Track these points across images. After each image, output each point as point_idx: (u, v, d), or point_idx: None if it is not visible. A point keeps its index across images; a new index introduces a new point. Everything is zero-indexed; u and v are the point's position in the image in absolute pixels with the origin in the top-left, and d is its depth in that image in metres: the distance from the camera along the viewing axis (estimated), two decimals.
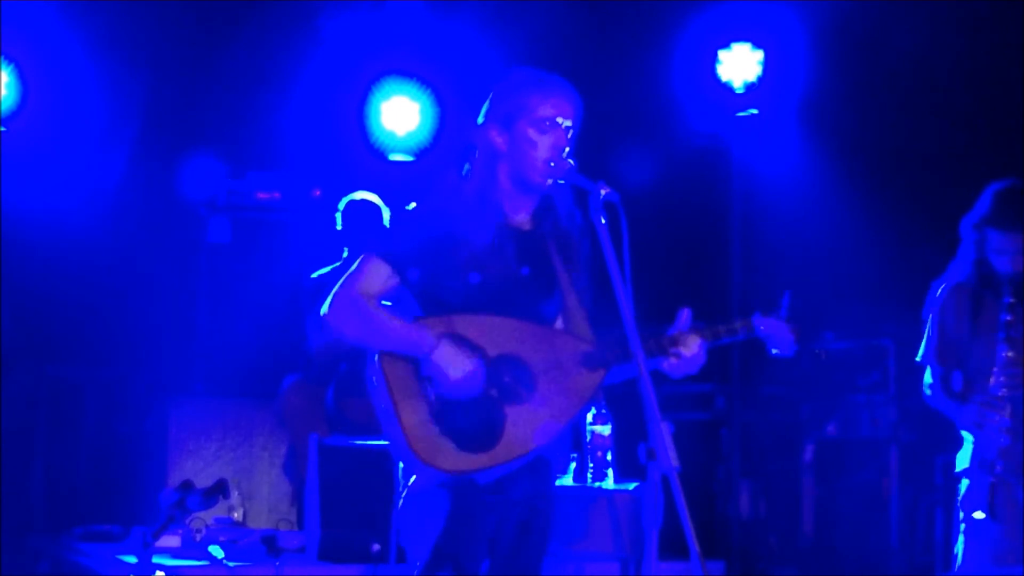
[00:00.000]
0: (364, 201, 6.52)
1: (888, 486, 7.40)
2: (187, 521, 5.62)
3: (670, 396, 7.80)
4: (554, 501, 3.68)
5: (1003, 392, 4.56)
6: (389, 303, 3.53)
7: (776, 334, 3.73)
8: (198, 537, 5.99)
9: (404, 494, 3.51)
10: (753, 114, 7.88)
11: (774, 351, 3.74)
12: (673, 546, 3.42)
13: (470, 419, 3.41)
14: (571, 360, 3.50)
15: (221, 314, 7.73)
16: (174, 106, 7.71)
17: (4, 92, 7.10)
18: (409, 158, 8.11)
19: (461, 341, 3.42)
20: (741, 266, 7.87)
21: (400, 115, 8.07)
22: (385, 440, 3.47)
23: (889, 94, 7.80)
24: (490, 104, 3.60)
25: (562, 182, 3.52)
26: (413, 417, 3.38)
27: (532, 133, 3.53)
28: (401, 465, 3.50)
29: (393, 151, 8.10)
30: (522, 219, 3.61)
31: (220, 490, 4.05)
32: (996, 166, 5.15)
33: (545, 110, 3.54)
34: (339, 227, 6.51)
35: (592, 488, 5.37)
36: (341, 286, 3.49)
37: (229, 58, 7.72)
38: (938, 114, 7.57)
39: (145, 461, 7.21)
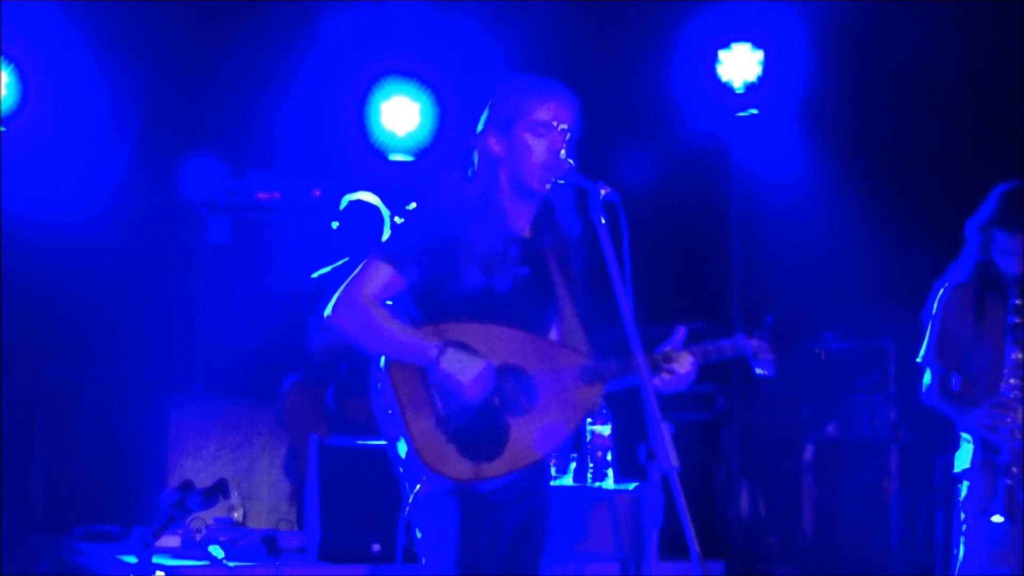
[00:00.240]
0: (364, 201, 6.53)
1: (888, 486, 7.39)
2: (187, 521, 5.62)
3: (670, 396, 7.78)
4: (550, 499, 3.68)
5: (1015, 395, 4.55)
6: (391, 303, 3.55)
7: (761, 354, 3.73)
8: (198, 537, 5.99)
9: (411, 501, 3.51)
10: (753, 114, 7.88)
11: (758, 371, 3.73)
12: (673, 546, 3.42)
13: (476, 428, 3.42)
14: (570, 373, 3.53)
15: (221, 314, 7.73)
16: (174, 106, 7.71)
17: (4, 92, 7.10)
18: (409, 158, 8.11)
19: (466, 347, 3.43)
20: (741, 266, 7.87)
21: (400, 115, 8.08)
22: (387, 445, 3.48)
23: (889, 94, 7.80)
24: (488, 111, 3.63)
25: (562, 182, 3.52)
26: (421, 425, 3.39)
27: (528, 138, 3.55)
28: (401, 470, 3.50)
29: (393, 151, 8.10)
30: (522, 225, 3.63)
31: (220, 490, 4.05)
32: (996, 166, 5.15)
33: (540, 114, 3.57)
34: (338, 227, 6.51)
35: (592, 488, 5.38)
36: (344, 289, 3.50)
37: (229, 58, 7.73)
38: (938, 114, 7.57)
39: (145, 461, 7.21)
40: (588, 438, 5.41)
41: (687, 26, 7.90)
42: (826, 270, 7.74)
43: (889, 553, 7.29)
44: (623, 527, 5.29)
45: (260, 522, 6.76)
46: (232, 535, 6.20)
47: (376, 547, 5.42)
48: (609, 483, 5.39)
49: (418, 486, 3.47)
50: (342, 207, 6.52)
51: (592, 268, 3.59)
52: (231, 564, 5.65)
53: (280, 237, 7.79)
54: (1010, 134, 6.98)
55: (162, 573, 4.51)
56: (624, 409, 5.16)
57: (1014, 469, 4.51)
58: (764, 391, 7.97)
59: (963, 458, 4.72)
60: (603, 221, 3.29)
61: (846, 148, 7.92)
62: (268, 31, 7.78)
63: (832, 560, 7.52)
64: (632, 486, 5.35)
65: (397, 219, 3.68)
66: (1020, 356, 4.57)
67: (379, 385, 3.46)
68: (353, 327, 3.47)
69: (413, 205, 3.61)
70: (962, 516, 4.68)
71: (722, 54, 7.83)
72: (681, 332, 3.62)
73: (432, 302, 3.52)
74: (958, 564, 4.68)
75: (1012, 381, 4.55)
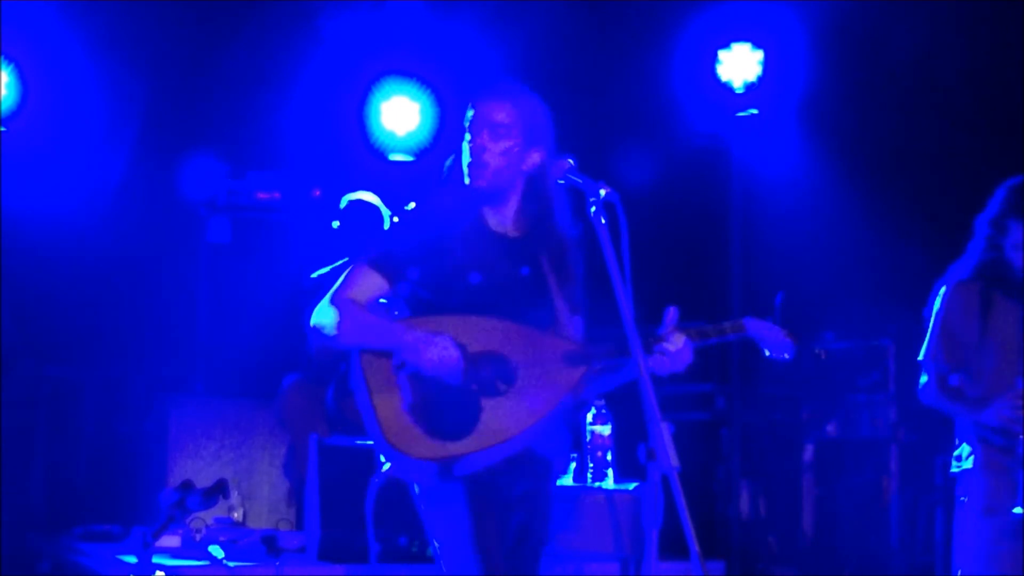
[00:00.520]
0: (364, 201, 6.52)
1: (888, 486, 7.40)
2: (187, 521, 5.61)
3: (670, 396, 7.80)
4: (554, 502, 3.69)
5: None
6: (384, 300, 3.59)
7: (769, 337, 3.73)
8: (198, 537, 5.99)
9: (417, 491, 3.56)
10: (753, 114, 7.89)
11: (767, 353, 3.72)
12: (673, 546, 3.42)
13: (445, 409, 3.46)
14: (553, 357, 3.54)
15: (221, 314, 7.73)
16: (174, 106, 7.71)
17: (4, 92, 7.10)
18: (409, 158, 8.11)
19: (439, 334, 3.47)
20: (741, 266, 7.88)
21: (400, 115, 8.08)
22: (367, 436, 3.52)
23: (889, 94, 7.80)
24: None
25: (561, 182, 3.53)
26: (387, 408, 3.44)
27: (465, 140, 3.62)
28: (383, 459, 3.54)
29: (393, 151, 8.10)
30: (503, 224, 3.65)
31: (220, 490, 4.05)
32: (997, 166, 5.15)
33: (469, 115, 3.63)
34: (338, 227, 6.51)
35: (592, 488, 5.37)
36: (331, 293, 3.57)
37: (229, 58, 7.72)
38: (938, 114, 7.57)
39: (145, 461, 7.21)
40: (588, 438, 5.41)
41: (687, 26, 7.90)
42: (826, 270, 7.74)
43: (889, 553, 7.30)
44: (623, 527, 5.29)
45: (260, 522, 6.76)
46: (232, 535, 6.20)
47: (376, 547, 5.41)
48: (609, 483, 5.39)
49: (388, 465, 3.51)
50: (342, 207, 6.52)
51: (592, 268, 3.59)
52: (231, 564, 5.65)
53: (280, 237, 7.79)
54: (1010, 134, 6.98)
55: (162, 573, 4.51)
56: (624, 409, 5.16)
57: None
58: (764, 391, 7.98)
59: (962, 459, 4.70)
60: (603, 221, 3.29)
61: (846, 148, 7.92)
62: (268, 31, 7.78)
63: (832, 560, 7.52)
64: (632, 486, 5.34)
65: (394, 219, 3.72)
66: None
67: (354, 378, 3.52)
68: (332, 320, 3.51)
69: (412, 205, 3.64)
70: (960, 517, 4.67)
71: (722, 54, 7.84)
72: (673, 312, 3.61)
73: (422, 304, 3.57)
74: (957, 565, 4.68)
75: None
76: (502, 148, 3.59)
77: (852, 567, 7.45)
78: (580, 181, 3.43)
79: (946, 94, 7.57)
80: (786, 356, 3.72)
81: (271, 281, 7.49)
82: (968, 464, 4.67)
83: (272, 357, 7.06)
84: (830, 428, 7.75)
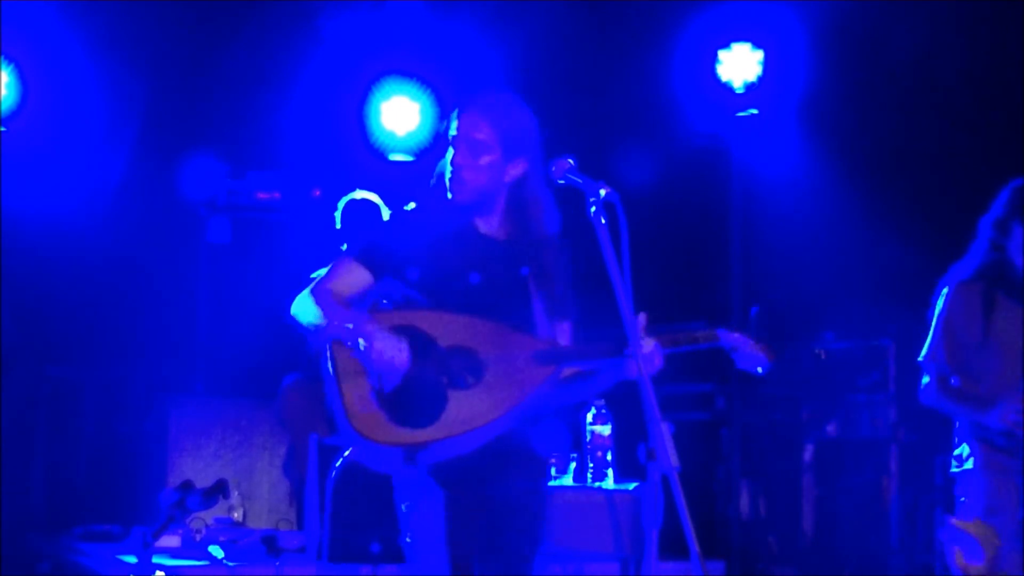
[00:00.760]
0: (364, 200, 6.52)
1: (888, 486, 7.40)
2: (187, 521, 5.62)
3: (670, 396, 7.80)
4: (546, 499, 3.70)
5: None
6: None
7: (743, 349, 3.71)
8: (198, 537, 5.99)
9: (393, 482, 3.62)
10: (753, 114, 7.89)
11: (739, 364, 3.71)
12: (673, 546, 3.42)
13: (411, 398, 3.48)
14: (523, 356, 3.57)
15: (221, 314, 7.73)
16: (174, 106, 7.71)
17: (4, 92, 7.10)
18: (409, 158, 8.11)
19: (413, 336, 3.50)
20: (741, 266, 7.88)
21: (400, 115, 8.08)
22: (336, 426, 3.55)
23: (889, 94, 7.80)
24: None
25: (561, 182, 3.53)
26: (354, 394, 3.47)
27: (448, 152, 3.65)
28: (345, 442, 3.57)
29: (393, 151, 8.10)
30: (491, 228, 3.69)
31: (220, 490, 4.06)
32: (996, 166, 5.15)
33: (450, 128, 3.66)
34: (338, 226, 6.51)
35: (592, 488, 5.37)
36: (313, 285, 3.60)
37: (229, 58, 7.72)
38: (938, 114, 7.57)
39: (145, 461, 7.21)
40: (588, 438, 5.41)
41: (687, 26, 7.90)
42: (826, 270, 7.74)
43: (889, 553, 7.30)
44: (623, 527, 5.29)
45: (260, 522, 6.76)
46: (232, 535, 6.20)
47: (376, 547, 5.41)
48: (609, 483, 5.39)
49: (348, 451, 3.55)
50: (342, 206, 6.52)
51: (592, 268, 3.59)
52: (231, 564, 5.65)
53: (280, 237, 7.79)
54: (1010, 134, 6.98)
55: (162, 573, 4.52)
56: (624, 409, 5.16)
57: None
58: (764, 391, 7.98)
59: (962, 459, 4.70)
60: (603, 221, 3.29)
61: (846, 148, 7.92)
62: (268, 31, 7.78)
63: (832, 560, 7.52)
64: (632, 486, 5.35)
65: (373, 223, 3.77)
66: None
67: (328, 366, 3.54)
68: (309, 309, 3.55)
69: (412, 205, 3.66)
70: (961, 518, 4.67)
71: (722, 54, 7.84)
72: (642, 318, 3.59)
73: (405, 299, 3.60)
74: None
75: None
76: (483, 164, 3.62)
77: (852, 567, 7.45)
78: (580, 181, 3.43)
79: (946, 94, 7.57)
80: (759, 369, 3.71)
81: (271, 281, 7.48)
82: (969, 464, 4.67)
83: (272, 357, 7.05)
84: (830, 428, 7.76)
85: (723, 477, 7.75)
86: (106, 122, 7.52)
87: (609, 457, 5.41)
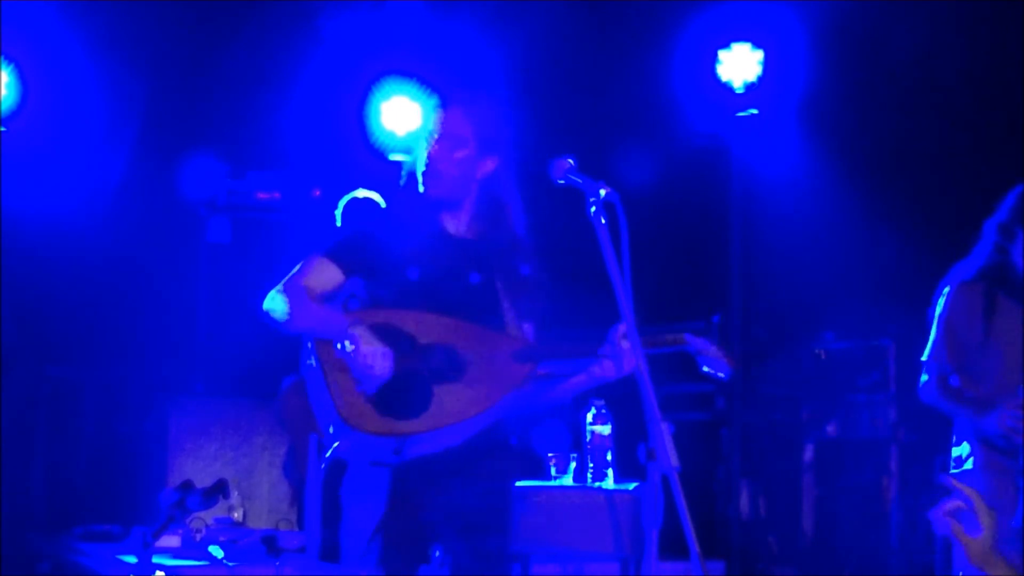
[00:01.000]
0: (365, 199, 6.52)
1: (888, 486, 7.40)
2: (187, 521, 5.62)
3: (670, 396, 7.80)
4: (513, 478, 3.76)
5: None
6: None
7: (708, 353, 3.72)
8: (198, 537, 5.99)
9: (340, 474, 3.63)
10: (753, 114, 7.88)
11: (705, 369, 3.72)
12: (673, 546, 3.42)
13: (397, 391, 3.52)
14: (502, 354, 3.63)
15: (221, 314, 7.73)
16: (174, 106, 7.71)
17: (4, 92, 7.09)
18: (409, 158, 8.09)
19: (393, 334, 3.54)
20: (741, 266, 7.88)
21: (400, 115, 8.07)
22: (319, 420, 3.58)
23: (889, 94, 7.80)
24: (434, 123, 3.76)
25: (561, 182, 3.53)
26: (341, 386, 3.52)
27: (426, 146, 3.71)
28: (331, 430, 3.56)
29: (393, 151, 8.09)
30: (459, 228, 3.74)
31: (220, 490, 4.05)
32: (997, 166, 5.15)
33: (433, 124, 3.73)
34: (339, 226, 6.51)
35: (592, 488, 5.37)
36: (285, 279, 3.65)
37: (229, 58, 7.72)
38: (938, 114, 7.57)
39: (145, 461, 7.21)
40: (588, 438, 5.41)
41: (687, 26, 7.90)
42: (826, 270, 7.74)
43: (889, 553, 7.30)
44: (623, 527, 5.29)
45: (260, 522, 6.76)
46: (232, 535, 6.20)
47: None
48: (609, 483, 5.38)
49: (336, 444, 3.57)
50: (342, 205, 6.52)
51: (592, 268, 3.59)
52: (231, 564, 5.65)
53: (280, 237, 7.79)
54: (1010, 134, 6.98)
55: (162, 573, 4.51)
56: (624, 409, 5.16)
57: None
58: (764, 391, 7.98)
59: (962, 459, 4.70)
60: (603, 221, 3.30)
61: (846, 148, 7.92)
62: (268, 31, 7.78)
63: (832, 560, 7.52)
64: (632, 486, 5.34)
65: (342, 220, 3.80)
66: None
67: (311, 360, 3.58)
68: (282, 307, 3.59)
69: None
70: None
71: (722, 54, 7.84)
72: (621, 327, 3.63)
73: (372, 298, 3.64)
74: (958, 566, 4.67)
75: None
76: (457, 157, 3.67)
77: (852, 567, 7.45)
78: (580, 181, 3.43)
79: (946, 94, 7.57)
80: (721, 375, 3.73)
81: (271, 281, 7.48)
82: (969, 465, 4.66)
83: (272, 357, 7.04)
84: (830, 428, 7.76)
85: (723, 477, 7.75)
86: (106, 122, 7.52)
87: (609, 457, 5.40)
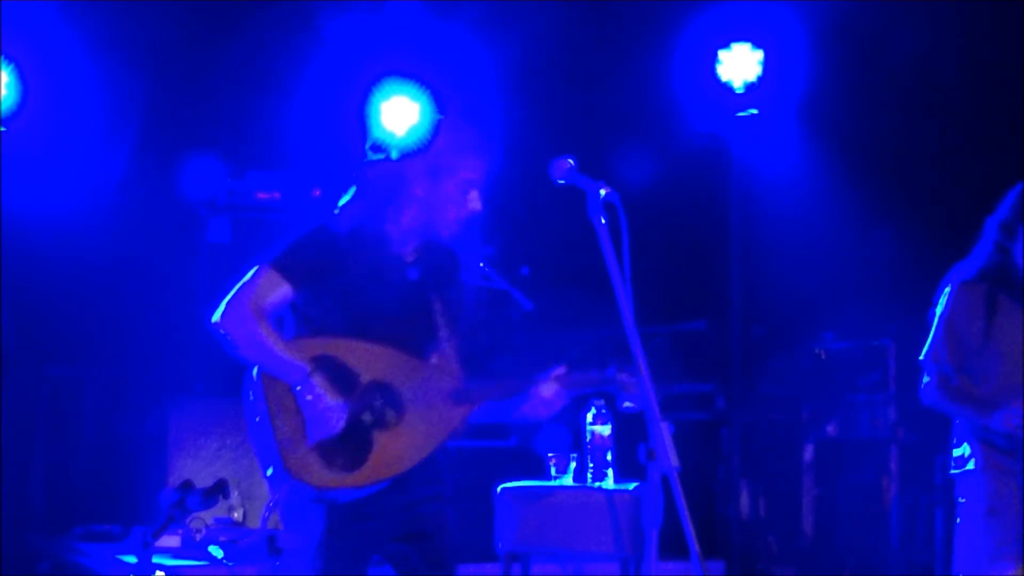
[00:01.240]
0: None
1: (888, 486, 7.40)
2: (187, 521, 5.62)
3: (670, 396, 7.79)
4: (447, 503, 3.75)
5: None
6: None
7: (629, 387, 3.74)
8: (198, 537, 5.99)
9: (280, 506, 3.60)
10: (753, 114, 7.89)
11: (625, 404, 3.72)
12: (673, 546, 3.43)
13: (340, 440, 3.50)
14: (440, 393, 3.63)
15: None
16: (174, 106, 7.71)
17: (4, 92, 7.09)
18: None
19: (336, 370, 3.52)
20: (741, 266, 7.88)
21: (400, 115, 8.07)
22: (256, 452, 3.54)
23: (889, 94, 7.80)
24: (416, 149, 3.71)
25: (562, 182, 3.53)
26: (286, 431, 3.48)
27: (453, 191, 3.66)
28: (270, 472, 3.53)
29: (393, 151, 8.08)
30: (408, 252, 3.72)
31: (220, 490, 4.05)
32: (996, 166, 5.15)
33: (469, 172, 3.67)
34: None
35: (592, 488, 5.37)
36: (234, 296, 3.58)
37: (229, 58, 7.72)
38: (938, 114, 7.57)
39: (145, 461, 7.20)
40: (588, 438, 5.41)
41: (687, 26, 7.90)
42: (826, 270, 7.74)
43: (889, 553, 7.30)
44: (623, 527, 5.29)
45: (260, 522, 6.76)
46: (232, 535, 6.20)
47: None
48: (609, 483, 5.38)
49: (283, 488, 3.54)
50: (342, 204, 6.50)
51: (592, 268, 3.59)
52: (231, 564, 5.65)
53: (280, 237, 7.77)
54: (1010, 134, 6.98)
55: (162, 573, 4.51)
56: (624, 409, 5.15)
57: None
58: (764, 391, 7.98)
59: (962, 459, 4.69)
60: (603, 221, 3.30)
61: (846, 148, 7.93)
62: (268, 31, 7.78)
63: (832, 560, 7.53)
64: (632, 486, 5.34)
65: (292, 233, 3.73)
66: None
67: (251, 395, 3.55)
68: (237, 334, 3.54)
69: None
70: (958, 520, 4.66)
71: (722, 54, 7.84)
72: (560, 369, 3.72)
73: (314, 319, 3.59)
74: (958, 567, 4.67)
75: None
76: (421, 193, 3.66)
77: (852, 567, 7.45)
78: (580, 181, 3.43)
79: (946, 94, 7.57)
80: (639, 407, 3.78)
81: None
82: (970, 466, 4.65)
83: None
84: (830, 428, 7.76)
85: (723, 477, 7.75)
86: (106, 122, 7.52)
87: (609, 457, 5.40)
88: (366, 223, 3.67)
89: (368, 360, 3.56)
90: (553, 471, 5.57)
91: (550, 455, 5.61)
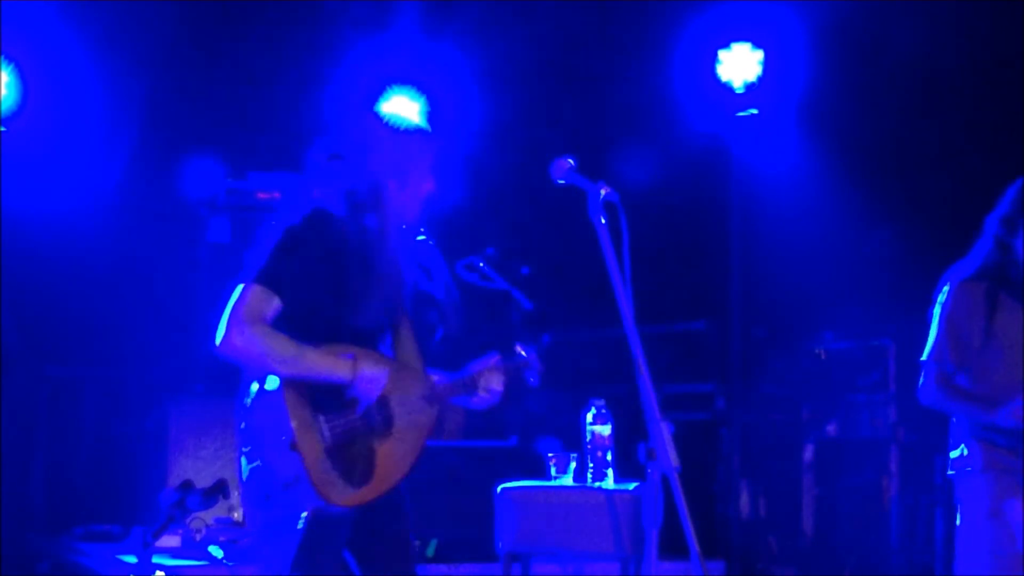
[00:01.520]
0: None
1: (888, 486, 7.40)
2: (187, 521, 5.62)
3: (670, 396, 7.81)
4: (405, 493, 3.75)
5: None
6: None
7: (532, 365, 3.92)
8: (198, 537, 5.99)
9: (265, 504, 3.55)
10: (753, 114, 7.89)
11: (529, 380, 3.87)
12: (673, 546, 3.43)
13: (352, 453, 3.51)
14: (417, 396, 3.67)
15: (221, 314, 7.71)
16: (174, 106, 7.71)
17: (4, 92, 7.09)
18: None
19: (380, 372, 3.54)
20: (741, 266, 7.88)
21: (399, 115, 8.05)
22: (265, 465, 3.48)
23: (889, 94, 7.80)
24: (374, 149, 3.72)
25: (562, 182, 3.53)
26: (312, 452, 3.44)
27: (419, 182, 3.71)
28: (284, 488, 3.49)
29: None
30: (373, 245, 3.71)
31: (220, 490, 4.05)
32: (996, 166, 5.14)
33: (428, 159, 3.73)
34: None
35: (592, 488, 5.37)
36: (234, 318, 3.54)
37: (230, 58, 7.72)
38: (938, 114, 7.57)
39: (145, 461, 7.20)
40: (588, 438, 5.40)
41: (687, 26, 7.91)
42: (826, 270, 7.74)
43: (889, 553, 7.30)
44: (623, 527, 5.28)
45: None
46: (232, 535, 6.20)
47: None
48: (609, 483, 5.38)
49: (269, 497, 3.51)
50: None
51: (592, 268, 3.60)
52: (231, 564, 5.65)
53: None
54: (1010, 134, 6.98)
55: (162, 573, 4.51)
56: (624, 409, 5.16)
57: None
58: (764, 391, 7.99)
59: (963, 460, 4.68)
60: (603, 221, 3.30)
61: (846, 148, 7.93)
62: (268, 32, 7.78)
63: (832, 560, 7.53)
64: (632, 486, 5.34)
65: (271, 244, 3.70)
66: None
67: (266, 412, 3.49)
68: (260, 349, 3.49)
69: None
70: (958, 520, 4.65)
71: (722, 54, 7.84)
72: (495, 359, 3.82)
73: (302, 327, 3.54)
74: (959, 567, 4.66)
75: None
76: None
77: (852, 567, 7.45)
78: (580, 181, 3.43)
79: (945, 94, 7.57)
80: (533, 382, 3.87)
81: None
82: (970, 466, 4.64)
83: None
84: (830, 428, 7.76)
85: (723, 477, 7.75)
86: (106, 122, 7.52)
87: (609, 457, 5.40)
88: (330, 221, 3.67)
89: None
90: (553, 471, 5.56)
91: (550, 455, 5.61)
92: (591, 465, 5.40)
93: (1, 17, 6.91)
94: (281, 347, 3.47)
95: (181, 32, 7.61)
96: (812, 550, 7.68)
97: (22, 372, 7.31)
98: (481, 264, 5.12)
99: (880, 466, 7.46)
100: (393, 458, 3.57)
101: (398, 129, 3.77)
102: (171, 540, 5.92)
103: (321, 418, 3.47)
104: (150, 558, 4.07)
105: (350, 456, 3.49)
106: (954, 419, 4.74)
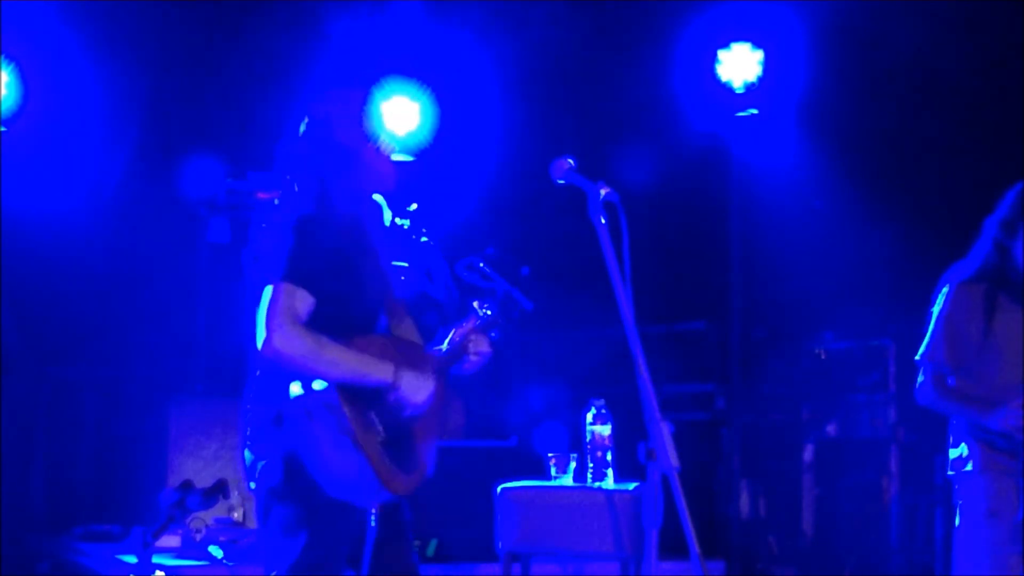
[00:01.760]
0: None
1: (888, 486, 7.40)
2: (187, 521, 5.62)
3: (670, 396, 7.81)
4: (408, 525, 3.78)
5: None
6: None
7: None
8: (198, 537, 5.99)
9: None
10: (753, 114, 7.89)
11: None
12: (673, 546, 3.43)
13: (401, 443, 3.53)
14: (427, 371, 3.66)
15: (221, 314, 7.72)
16: (174, 106, 7.71)
17: (4, 92, 7.10)
18: (409, 158, 8.10)
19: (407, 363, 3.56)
20: (741, 266, 7.88)
21: (400, 115, 8.07)
22: (326, 469, 3.43)
23: (889, 94, 7.80)
24: (346, 121, 3.90)
25: (562, 182, 3.54)
26: (372, 447, 3.46)
27: (376, 148, 3.87)
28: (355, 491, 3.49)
29: (393, 151, 8.08)
30: (367, 222, 3.80)
31: (220, 490, 4.05)
32: (996, 166, 5.14)
33: (374, 121, 3.86)
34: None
35: (592, 488, 5.37)
36: (273, 321, 3.42)
37: (230, 58, 7.73)
38: (938, 114, 7.57)
39: (145, 461, 7.21)
40: (588, 438, 5.41)
41: (687, 26, 7.90)
42: (826, 270, 7.74)
43: (889, 553, 7.30)
44: (623, 527, 5.28)
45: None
46: (232, 535, 6.20)
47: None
48: (609, 483, 5.39)
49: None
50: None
51: (592, 268, 3.60)
52: (231, 564, 5.65)
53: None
54: (1010, 134, 6.98)
55: (162, 573, 4.52)
56: (624, 409, 5.16)
57: None
58: (764, 391, 7.99)
59: (961, 460, 4.68)
60: (603, 221, 3.30)
61: (846, 148, 7.93)
62: (268, 31, 7.78)
63: (832, 560, 7.53)
64: (632, 486, 5.34)
65: (291, 240, 3.68)
66: None
67: (325, 419, 3.43)
68: (303, 353, 3.41)
69: (414, 206, 3.69)
70: (957, 520, 4.65)
71: (722, 54, 7.84)
72: (472, 321, 3.89)
73: (331, 318, 3.52)
74: (958, 568, 4.66)
75: None
76: None
77: (852, 567, 7.45)
78: (580, 181, 3.43)
79: (946, 93, 7.57)
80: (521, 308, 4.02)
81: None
82: (969, 467, 4.64)
83: None
84: (830, 428, 7.76)
85: (723, 477, 7.75)
86: (106, 122, 7.52)
87: (609, 457, 5.41)
88: (350, 215, 3.71)
89: (394, 357, 3.56)
90: (553, 471, 5.56)
91: (550, 455, 5.61)
92: (591, 465, 5.40)
93: (1, 17, 6.91)
94: (321, 348, 3.44)
95: (181, 32, 7.61)
96: (812, 550, 7.68)
97: (22, 372, 7.32)
98: (481, 264, 5.12)
99: (880, 466, 7.46)
100: (426, 445, 3.62)
101: (356, 91, 3.87)
102: (171, 540, 5.92)
103: (372, 413, 3.48)
104: (150, 558, 4.07)
105: (400, 446, 3.52)
106: (953, 419, 4.74)
